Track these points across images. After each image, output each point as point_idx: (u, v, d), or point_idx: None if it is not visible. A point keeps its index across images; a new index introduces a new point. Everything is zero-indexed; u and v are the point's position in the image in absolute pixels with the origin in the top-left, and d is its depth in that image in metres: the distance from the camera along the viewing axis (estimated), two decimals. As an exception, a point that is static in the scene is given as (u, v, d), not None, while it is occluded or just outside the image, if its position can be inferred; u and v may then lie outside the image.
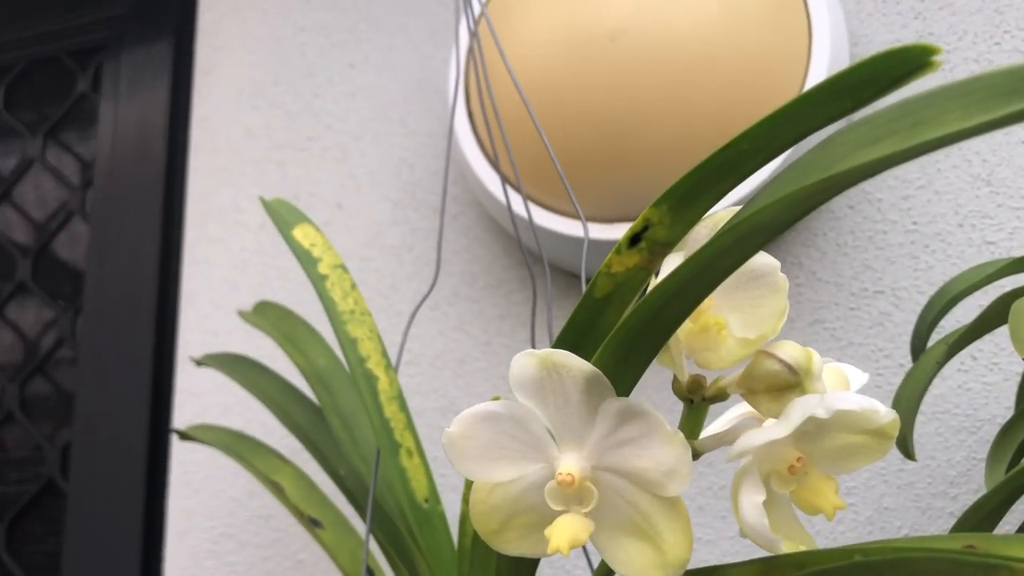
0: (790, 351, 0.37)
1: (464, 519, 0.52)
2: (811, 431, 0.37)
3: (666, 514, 0.38)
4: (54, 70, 1.23)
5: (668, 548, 0.37)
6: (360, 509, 0.58)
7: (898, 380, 0.77)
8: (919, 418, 0.74)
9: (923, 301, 0.77)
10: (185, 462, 0.97)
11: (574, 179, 0.77)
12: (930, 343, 0.60)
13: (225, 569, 0.93)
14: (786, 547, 0.36)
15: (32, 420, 1.13)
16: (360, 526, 0.64)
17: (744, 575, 0.36)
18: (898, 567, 0.30)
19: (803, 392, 0.37)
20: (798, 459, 0.36)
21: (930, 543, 0.31)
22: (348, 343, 0.55)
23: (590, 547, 0.75)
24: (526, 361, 0.37)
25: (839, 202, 0.82)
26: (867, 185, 0.81)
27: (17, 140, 1.23)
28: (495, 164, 0.83)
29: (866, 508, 0.76)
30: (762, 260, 0.40)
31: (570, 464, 0.38)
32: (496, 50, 0.79)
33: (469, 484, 0.53)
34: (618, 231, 0.77)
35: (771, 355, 0.37)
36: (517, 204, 0.81)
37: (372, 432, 0.60)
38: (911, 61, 0.28)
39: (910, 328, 0.77)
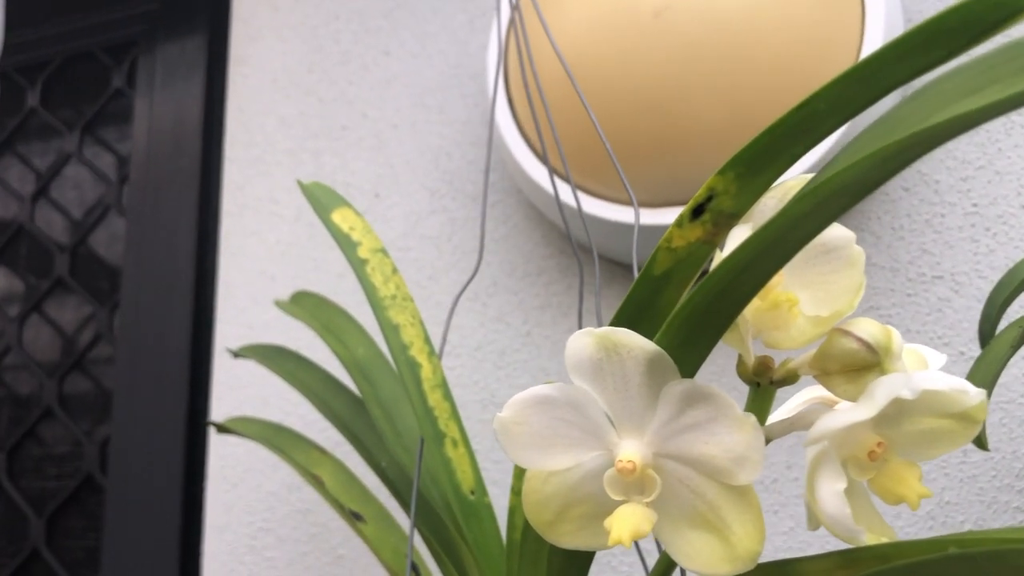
0: (868, 328, 0.35)
1: (513, 511, 0.50)
2: (892, 414, 0.34)
3: (735, 504, 0.35)
4: (89, 66, 1.23)
5: (737, 540, 0.35)
6: (403, 502, 0.56)
7: (959, 369, 0.74)
8: (982, 408, 0.71)
9: (984, 286, 0.74)
10: (223, 456, 0.96)
11: (619, 163, 0.75)
12: (1000, 327, 0.57)
13: (264, 564, 0.92)
14: (867, 539, 0.34)
15: (71, 416, 1.13)
16: (403, 520, 0.62)
17: (821, 568, 0.33)
18: (1000, 560, 0.27)
19: (882, 372, 0.34)
20: (879, 444, 0.33)
21: (1034, 533, 0.29)
22: (390, 329, 0.53)
23: (644, 544, 0.72)
24: (584, 341, 0.35)
25: (894, 184, 0.79)
26: (923, 166, 0.78)
27: (54, 137, 1.23)
28: (536, 150, 0.81)
29: (926, 503, 0.73)
30: (835, 232, 0.37)
31: (631, 451, 0.35)
32: (535, 32, 0.77)
33: (519, 474, 0.51)
34: (665, 216, 0.75)
35: (848, 333, 0.35)
36: (563, 190, 0.79)
37: (415, 422, 0.58)
38: (1010, 4, 0.26)
39: (970, 315, 0.74)
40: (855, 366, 0.34)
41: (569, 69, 0.62)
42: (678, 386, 0.34)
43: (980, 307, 0.73)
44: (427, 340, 0.54)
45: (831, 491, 0.32)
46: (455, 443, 0.52)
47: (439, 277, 0.91)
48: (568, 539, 0.39)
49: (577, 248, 0.62)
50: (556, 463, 0.38)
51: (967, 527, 0.71)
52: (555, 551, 0.44)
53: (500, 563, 0.51)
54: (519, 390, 0.84)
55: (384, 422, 0.58)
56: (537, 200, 0.83)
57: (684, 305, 0.33)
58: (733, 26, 0.71)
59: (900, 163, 0.27)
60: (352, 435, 0.63)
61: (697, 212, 0.36)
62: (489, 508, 0.52)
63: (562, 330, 0.86)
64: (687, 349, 0.35)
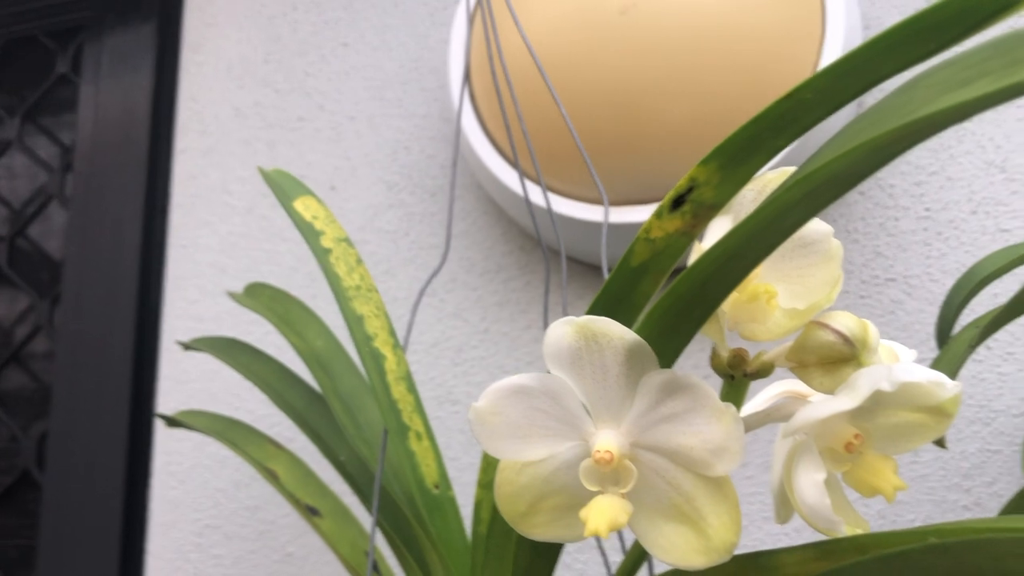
0: (845, 322, 0.35)
1: (479, 505, 0.49)
2: (869, 407, 0.34)
3: (711, 496, 0.35)
4: (32, 50, 1.19)
5: (713, 532, 0.35)
6: (363, 496, 0.55)
7: (910, 370, 0.75)
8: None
9: (936, 289, 0.76)
10: (169, 452, 0.94)
11: (583, 162, 0.74)
12: (956, 328, 0.58)
13: (211, 562, 0.90)
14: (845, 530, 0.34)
15: (7, 411, 1.09)
16: (361, 515, 0.61)
17: (797, 560, 0.33)
18: (980, 549, 0.27)
19: (859, 365, 0.34)
20: (856, 436, 0.34)
21: (1011, 523, 0.29)
22: (354, 320, 0.52)
23: (605, 543, 0.72)
24: (563, 330, 0.35)
25: (849, 188, 0.80)
26: (879, 171, 0.79)
27: (-6, 120, 1.19)
28: (499, 145, 0.80)
29: (876, 501, 0.74)
30: (812, 226, 0.37)
31: (608, 441, 0.35)
32: (500, 27, 0.76)
33: (487, 468, 0.51)
34: (629, 214, 0.75)
35: (825, 326, 0.35)
36: (525, 188, 0.78)
37: (377, 415, 0.57)
38: (1002, -2, 0.26)
39: (922, 316, 0.75)
40: (832, 358, 0.35)
41: (541, 65, 0.61)
42: (657, 376, 0.34)
43: (932, 310, 0.75)
44: (392, 332, 0.53)
45: (811, 481, 0.32)
46: (419, 436, 0.52)
47: (396, 272, 0.90)
48: (541, 531, 0.38)
49: (544, 244, 0.62)
50: (531, 454, 0.37)
51: (917, 526, 0.73)
52: (522, 545, 0.44)
53: (464, 558, 0.50)
54: (476, 387, 0.83)
55: (344, 415, 0.57)
56: (498, 196, 0.83)
57: (667, 294, 0.33)
58: (698, 25, 0.71)
59: (891, 153, 0.27)
60: (309, 429, 0.62)
61: (677, 203, 0.36)
62: (453, 503, 0.51)
63: (520, 327, 0.85)
64: (667, 339, 0.34)
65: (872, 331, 0.35)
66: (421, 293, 0.55)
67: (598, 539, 0.57)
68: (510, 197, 0.80)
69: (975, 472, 0.72)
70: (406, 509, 0.51)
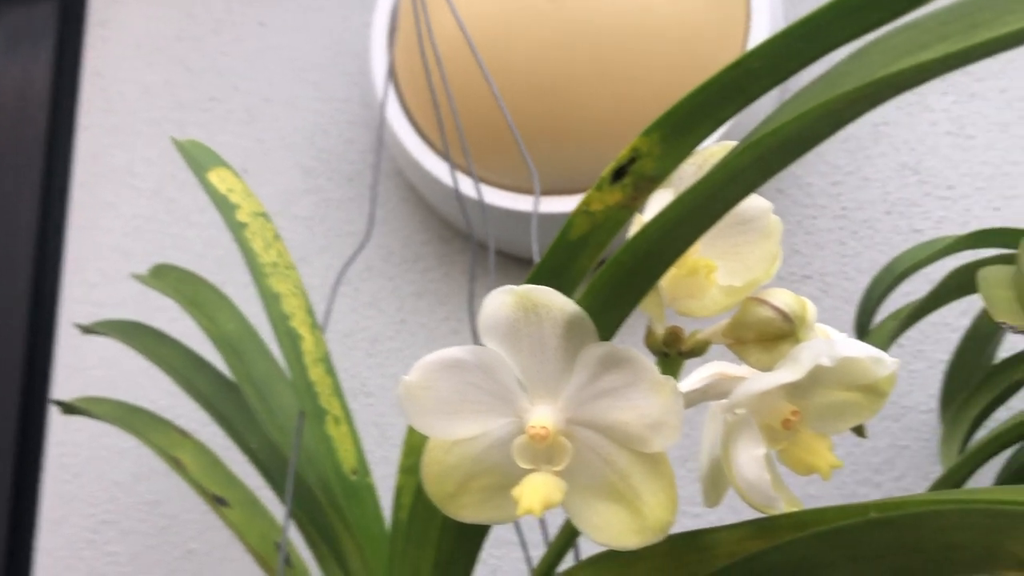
0: (784, 298, 0.34)
1: (401, 491, 0.47)
2: (806, 384, 0.34)
3: (647, 473, 0.34)
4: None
5: (648, 511, 0.34)
6: (275, 484, 0.53)
7: (824, 366, 0.76)
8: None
9: (850, 287, 0.77)
10: (63, 443, 0.89)
11: (509, 149, 0.73)
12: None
13: (105, 559, 0.85)
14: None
15: None
16: (272, 504, 0.59)
17: (734, 538, 0.33)
18: (922, 523, 0.27)
19: (796, 342, 0.34)
20: (793, 412, 0.33)
21: (954, 495, 0.29)
22: (271, 299, 0.50)
23: (523, 523, 0.71)
24: (502, 299, 0.33)
25: (768, 186, 0.81)
26: (797, 168, 0.80)
27: None
28: (422, 131, 0.79)
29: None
30: (751, 203, 0.37)
31: (543, 416, 0.34)
32: (430, 10, 0.75)
33: (409, 451, 0.49)
34: (558, 204, 0.74)
35: (764, 302, 0.34)
36: (446, 173, 0.77)
37: (291, 400, 0.55)
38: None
39: (837, 315, 0.77)
40: (770, 335, 0.34)
41: (475, 48, 0.60)
42: (596, 349, 0.33)
43: (847, 307, 0.76)
44: (310, 311, 0.51)
45: (750, 457, 0.32)
46: (337, 420, 0.49)
47: (311, 259, 0.87)
48: (470, 512, 0.37)
49: (473, 234, 0.60)
50: (462, 431, 0.36)
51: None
52: (446, 531, 0.42)
53: (383, 547, 0.48)
54: (391, 379, 0.81)
55: (257, 400, 0.55)
56: (420, 183, 0.81)
57: (610, 265, 0.32)
58: (627, 16, 0.71)
59: (845, 117, 0.27)
60: (219, 415, 0.59)
61: (618, 174, 0.35)
62: (372, 489, 0.49)
63: (438, 318, 0.84)
64: (607, 312, 0.33)
65: (810, 308, 0.34)
66: (343, 270, 0.53)
67: (519, 531, 0.56)
68: (433, 184, 0.78)
69: (885, 467, 0.73)
70: (321, 496, 0.49)
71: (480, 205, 0.66)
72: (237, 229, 0.51)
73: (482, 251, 0.84)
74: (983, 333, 0.61)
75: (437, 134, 0.77)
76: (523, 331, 0.34)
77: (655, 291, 0.34)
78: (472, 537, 0.42)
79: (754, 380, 0.32)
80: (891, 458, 0.73)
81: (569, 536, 0.40)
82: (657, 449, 0.33)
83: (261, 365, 0.57)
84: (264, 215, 0.52)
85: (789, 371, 0.31)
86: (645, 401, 0.33)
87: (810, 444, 0.33)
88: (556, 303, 0.33)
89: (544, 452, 0.34)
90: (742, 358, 0.35)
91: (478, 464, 0.36)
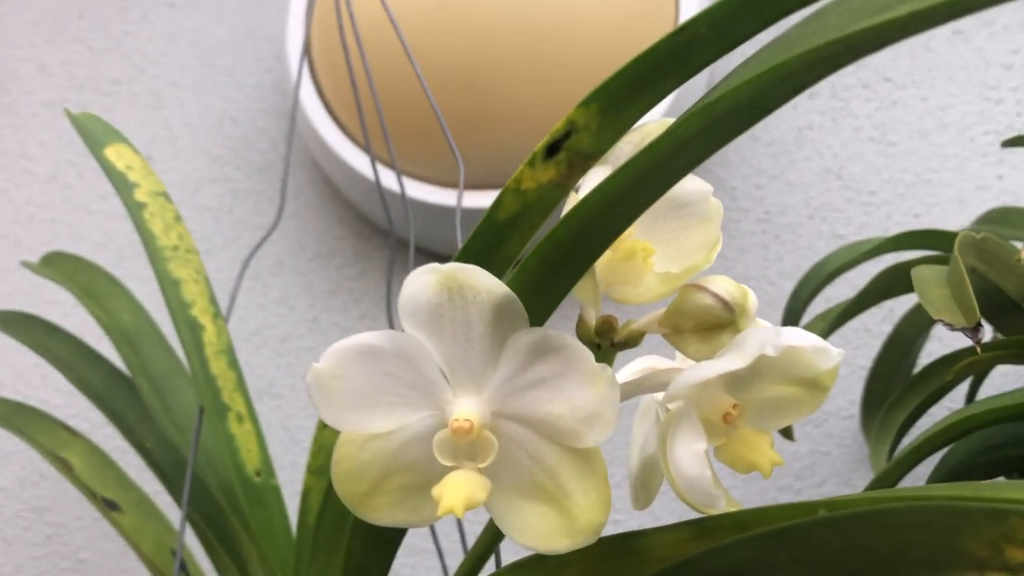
0: (725, 285, 0.32)
1: (308, 493, 0.44)
2: (745, 376, 0.32)
3: (577, 470, 0.32)
4: None
5: (579, 511, 0.31)
6: (173, 487, 0.49)
7: (747, 370, 0.75)
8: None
9: (773, 292, 0.76)
10: (-60, 446, 0.82)
11: (429, 141, 0.71)
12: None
13: (-15, 572, 0.79)
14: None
15: None
16: (169, 508, 0.55)
17: (671, 541, 0.31)
18: (875, 521, 0.25)
19: (736, 332, 0.32)
20: (734, 406, 0.31)
21: (907, 492, 0.27)
22: (169, 285, 0.46)
23: (440, 528, 0.68)
24: (425, 279, 0.31)
25: (693, 187, 0.79)
26: (721, 171, 0.79)
27: None
28: (339, 120, 0.75)
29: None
30: (690, 186, 0.35)
31: (467, 409, 0.31)
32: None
33: (317, 452, 0.45)
34: (478, 199, 0.71)
35: (704, 289, 0.32)
36: (364, 163, 0.74)
37: (191, 397, 0.51)
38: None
39: (761, 317, 0.76)
40: (710, 324, 0.32)
41: (401, 32, 0.57)
42: (527, 336, 0.31)
43: (770, 311, 0.75)
44: (212, 299, 0.47)
45: (690, 451, 0.29)
46: (240, 418, 0.46)
47: (216, 253, 0.83)
48: (384, 514, 0.34)
49: (391, 227, 0.57)
50: (377, 425, 0.33)
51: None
52: (356, 535, 0.39)
53: (288, 553, 0.45)
54: (301, 381, 0.77)
55: (153, 397, 0.51)
56: (337, 175, 0.77)
57: (545, 242, 0.30)
58: (549, 7, 0.69)
59: (804, 80, 0.25)
60: (112, 413, 0.54)
61: (552, 150, 0.33)
62: (277, 491, 0.46)
63: (353, 317, 0.80)
64: (538, 296, 0.31)
65: (751, 297, 0.32)
66: (251, 255, 0.49)
67: (435, 537, 0.53)
68: (350, 176, 0.75)
69: (806, 473, 0.72)
70: (222, 499, 0.45)
71: (402, 198, 0.63)
72: (135, 209, 0.47)
73: (402, 247, 0.81)
74: (905, 338, 0.60)
75: (355, 123, 0.74)
76: (447, 315, 0.31)
77: (590, 274, 0.31)
78: (386, 543, 0.39)
79: (696, 368, 0.30)
80: (812, 464, 0.73)
81: (490, 541, 0.37)
82: (590, 444, 0.31)
83: (159, 359, 0.53)
84: (164, 195, 0.48)
85: (733, 358, 0.29)
86: (579, 392, 0.30)
87: (750, 440, 0.31)
88: (484, 284, 0.30)
89: (467, 448, 0.31)
90: (679, 349, 0.33)
91: (394, 461, 0.33)
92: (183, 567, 0.48)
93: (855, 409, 0.72)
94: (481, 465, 0.31)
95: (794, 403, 0.33)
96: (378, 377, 0.32)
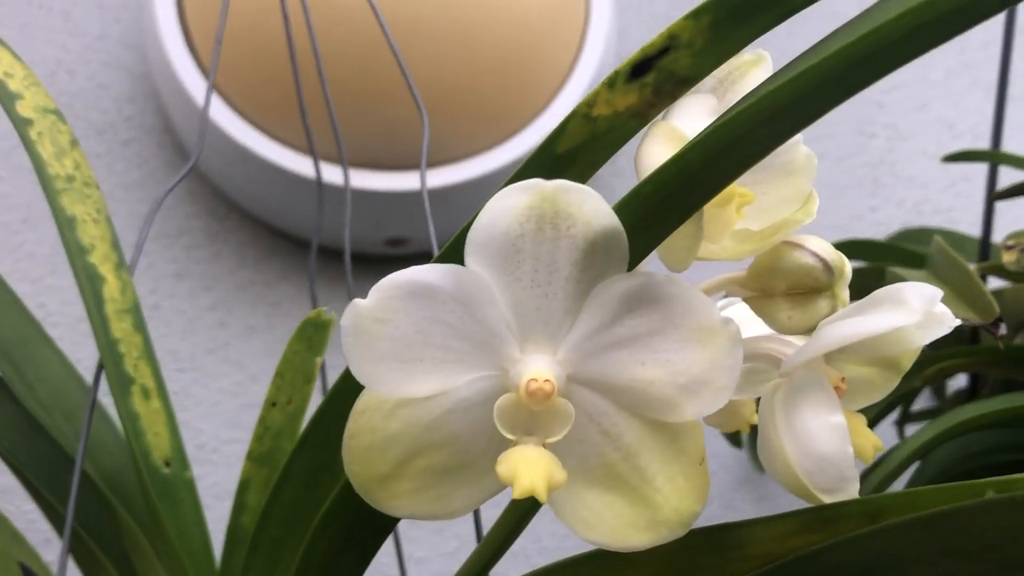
0: (822, 244, 0.29)
1: (246, 487, 0.36)
2: (835, 353, 0.28)
3: (662, 450, 0.26)
4: None
5: (663, 500, 0.26)
6: (32, 482, 0.39)
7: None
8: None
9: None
10: None
11: (318, 113, 0.63)
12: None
13: None
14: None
15: None
16: (26, 513, 0.43)
17: (775, 534, 0.26)
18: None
19: (833, 299, 0.28)
20: (843, 380, 0.27)
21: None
22: (64, 223, 0.37)
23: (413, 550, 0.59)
24: (512, 201, 0.25)
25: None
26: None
27: None
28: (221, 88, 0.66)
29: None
30: (769, 135, 0.31)
31: (544, 367, 0.25)
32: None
33: (261, 434, 0.37)
34: (368, 180, 0.64)
35: (802, 247, 0.28)
36: (244, 133, 0.65)
37: (60, 370, 0.41)
38: None
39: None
40: (807, 287, 0.28)
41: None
42: (623, 283, 0.25)
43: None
44: (115, 245, 0.38)
45: (827, 424, 0.25)
46: (147, 393, 0.37)
47: (37, 222, 0.70)
48: (404, 502, 0.27)
49: (322, 205, 0.50)
50: (417, 387, 0.26)
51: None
52: (320, 543, 0.32)
53: (204, 562, 0.36)
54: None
55: (9, 369, 0.40)
56: (194, 144, 0.68)
57: (671, 164, 0.24)
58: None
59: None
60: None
61: (640, 69, 0.28)
62: (191, 486, 0.37)
63: (202, 306, 0.70)
64: (642, 234, 0.26)
65: (847, 261, 0.29)
66: (159, 203, 0.40)
67: (397, 544, 0.45)
68: (223, 149, 0.66)
69: (747, 485, 0.70)
70: (112, 496, 0.36)
71: (318, 183, 0.55)
72: (20, 126, 0.37)
73: (250, 233, 0.72)
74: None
75: (234, 85, 0.65)
76: (528, 251, 0.25)
77: (697, 217, 0.26)
78: (359, 549, 0.32)
79: (849, 324, 0.25)
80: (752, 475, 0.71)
81: (508, 533, 0.31)
82: (688, 418, 0.26)
83: (13, 323, 0.42)
84: (57, 113, 0.39)
85: (898, 314, 0.25)
86: (681, 354, 0.25)
87: (851, 422, 0.27)
88: (585, 212, 0.25)
89: (534, 419, 0.25)
90: (766, 315, 0.29)
91: (429, 435, 0.27)
92: (40, 584, 0.38)
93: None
94: (552, 439, 0.25)
95: (866, 386, 0.30)
96: (429, 326, 0.25)
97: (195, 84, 0.65)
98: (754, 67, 0.29)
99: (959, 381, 0.58)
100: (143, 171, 0.72)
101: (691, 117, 0.28)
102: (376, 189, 0.64)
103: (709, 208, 0.28)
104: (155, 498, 0.35)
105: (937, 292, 0.25)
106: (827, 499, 0.25)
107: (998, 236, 0.57)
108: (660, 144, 0.27)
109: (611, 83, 0.28)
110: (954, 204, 0.79)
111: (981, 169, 0.76)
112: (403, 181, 0.65)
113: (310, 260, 0.52)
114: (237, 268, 0.71)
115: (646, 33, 0.70)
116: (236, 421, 0.68)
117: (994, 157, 0.53)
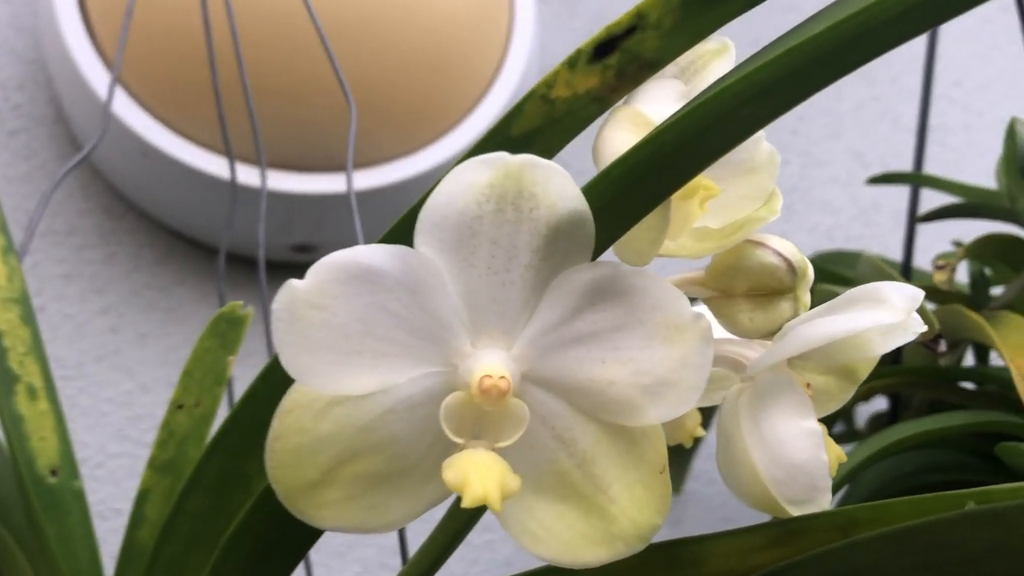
0: (786, 244, 0.27)
1: (145, 496, 0.32)
2: (798, 359, 0.27)
3: (619, 456, 0.24)
4: None
5: (619, 511, 0.24)
6: None
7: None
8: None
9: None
10: None
11: (231, 107, 0.59)
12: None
13: None
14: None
15: None
16: None
17: (740, 548, 0.24)
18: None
19: (796, 302, 0.27)
20: (808, 386, 0.26)
21: None
22: (-57, 198, 0.33)
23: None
24: (471, 177, 0.22)
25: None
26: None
27: None
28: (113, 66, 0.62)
29: (504, 546, 0.67)
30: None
31: (498, 363, 0.23)
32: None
33: (164, 440, 0.33)
34: (281, 181, 0.61)
35: (765, 246, 0.27)
36: (146, 124, 0.61)
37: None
38: None
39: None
40: (769, 288, 0.27)
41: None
42: (587, 273, 0.23)
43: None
44: (3, 227, 0.34)
45: (800, 429, 0.23)
46: (33, 393, 0.33)
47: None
48: (333, 513, 0.24)
49: (231, 198, 0.46)
50: (354, 382, 0.23)
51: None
52: (229, 558, 0.28)
53: (91, 582, 0.32)
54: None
55: None
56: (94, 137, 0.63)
57: (648, 142, 0.22)
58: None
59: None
60: None
61: (604, 50, 0.26)
62: (80, 498, 0.33)
63: (93, 310, 0.65)
64: (609, 219, 0.24)
65: (809, 264, 0.27)
66: (61, 178, 0.37)
67: (308, 568, 0.42)
68: (122, 141, 0.61)
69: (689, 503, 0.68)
70: (-12, 508, 0.32)
71: (232, 178, 0.52)
72: None
73: (148, 234, 0.68)
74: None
75: (134, 71, 0.61)
76: (485, 234, 0.23)
77: (665, 207, 0.25)
78: (272, 569, 0.29)
79: (823, 322, 0.24)
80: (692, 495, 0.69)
81: (442, 549, 0.28)
82: (650, 421, 0.24)
83: None
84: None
85: (881, 312, 0.23)
86: (646, 352, 0.23)
87: (814, 430, 0.26)
88: (550, 192, 0.23)
89: (485, 420, 0.23)
90: (725, 316, 0.27)
91: (364, 437, 0.24)
92: None
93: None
94: (503, 443, 0.23)
95: (823, 396, 0.29)
96: (371, 313, 0.23)
97: (94, 71, 0.61)
98: (717, 57, 0.28)
99: (876, 404, 0.58)
100: (31, 163, 0.67)
101: (657, 102, 0.26)
102: (287, 191, 0.60)
103: (677, 199, 0.27)
104: (38, 510, 0.31)
105: (919, 292, 0.24)
106: (795, 512, 0.24)
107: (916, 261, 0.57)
108: (624, 130, 0.26)
109: (572, 63, 0.26)
110: (864, 232, 0.80)
111: (892, 196, 0.78)
112: (314, 183, 0.62)
113: (219, 261, 0.49)
114: (132, 271, 0.67)
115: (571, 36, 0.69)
116: (124, 434, 0.63)
117: (918, 179, 0.53)
